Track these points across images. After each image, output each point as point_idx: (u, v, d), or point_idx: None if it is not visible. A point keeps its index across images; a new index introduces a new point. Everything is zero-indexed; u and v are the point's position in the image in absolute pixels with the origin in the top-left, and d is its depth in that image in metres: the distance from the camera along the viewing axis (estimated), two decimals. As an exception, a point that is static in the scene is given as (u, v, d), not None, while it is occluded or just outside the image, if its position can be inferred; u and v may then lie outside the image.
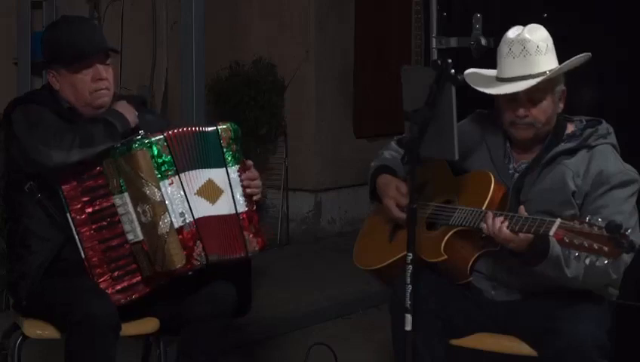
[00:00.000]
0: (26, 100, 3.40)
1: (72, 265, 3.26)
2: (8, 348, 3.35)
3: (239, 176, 3.33)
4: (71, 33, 3.39)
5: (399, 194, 3.29)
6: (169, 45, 7.55)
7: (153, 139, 3.20)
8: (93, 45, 3.36)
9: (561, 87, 3.22)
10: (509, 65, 3.15)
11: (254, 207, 3.35)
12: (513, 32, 3.17)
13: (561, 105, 3.23)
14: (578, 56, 3.18)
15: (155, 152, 3.19)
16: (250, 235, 3.31)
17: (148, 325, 3.39)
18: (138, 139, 3.19)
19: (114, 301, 3.20)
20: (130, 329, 3.34)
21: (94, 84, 3.34)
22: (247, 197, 3.33)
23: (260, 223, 3.35)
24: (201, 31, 4.87)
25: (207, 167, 3.28)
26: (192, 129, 3.30)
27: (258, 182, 3.37)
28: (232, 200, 3.31)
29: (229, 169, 3.31)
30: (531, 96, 3.15)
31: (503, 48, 3.17)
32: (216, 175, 3.29)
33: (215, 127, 3.31)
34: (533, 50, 3.12)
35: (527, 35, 3.13)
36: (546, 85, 3.15)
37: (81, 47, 3.34)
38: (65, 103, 3.36)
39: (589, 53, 3.19)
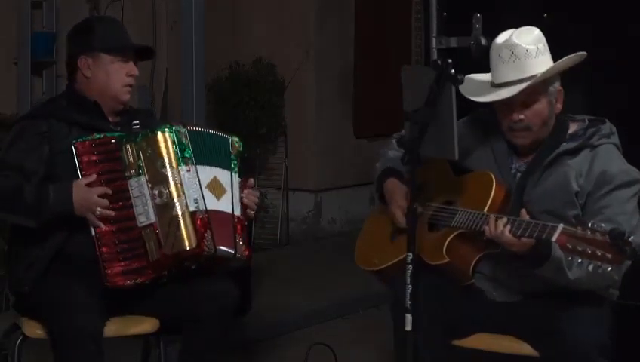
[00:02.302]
0: (23, 118, 3.49)
1: (75, 260, 3.29)
2: (8, 348, 3.35)
3: (240, 185, 3.44)
4: (117, 26, 3.60)
5: (407, 203, 3.27)
6: (169, 45, 7.55)
7: (176, 127, 3.33)
8: (132, 43, 3.52)
9: (556, 87, 3.18)
10: (500, 70, 3.14)
11: (246, 221, 3.43)
12: (501, 38, 3.15)
13: (559, 106, 3.20)
14: (570, 55, 3.16)
15: (177, 138, 3.30)
16: (240, 241, 3.37)
17: (148, 325, 3.39)
18: (161, 126, 3.31)
19: (119, 282, 3.24)
20: (130, 329, 3.35)
21: (127, 79, 3.45)
22: (244, 206, 3.43)
23: (249, 238, 3.44)
24: (201, 31, 4.87)
25: (215, 166, 3.38)
26: (207, 130, 3.46)
27: (256, 199, 3.49)
28: (231, 201, 3.38)
29: (232, 173, 3.41)
30: (525, 100, 3.13)
31: (493, 54, 3.16)
32: (222, 175, 3.39)
33: (229, 136, 3.47)
34: (522, 55, 3.09)
35: (515, 40, 3.11)
36: (539, 87, 3.13)
37: (128, 39, 3.51)
38: (90, 98, 3.42)
39: (583, 53, 3.17)
